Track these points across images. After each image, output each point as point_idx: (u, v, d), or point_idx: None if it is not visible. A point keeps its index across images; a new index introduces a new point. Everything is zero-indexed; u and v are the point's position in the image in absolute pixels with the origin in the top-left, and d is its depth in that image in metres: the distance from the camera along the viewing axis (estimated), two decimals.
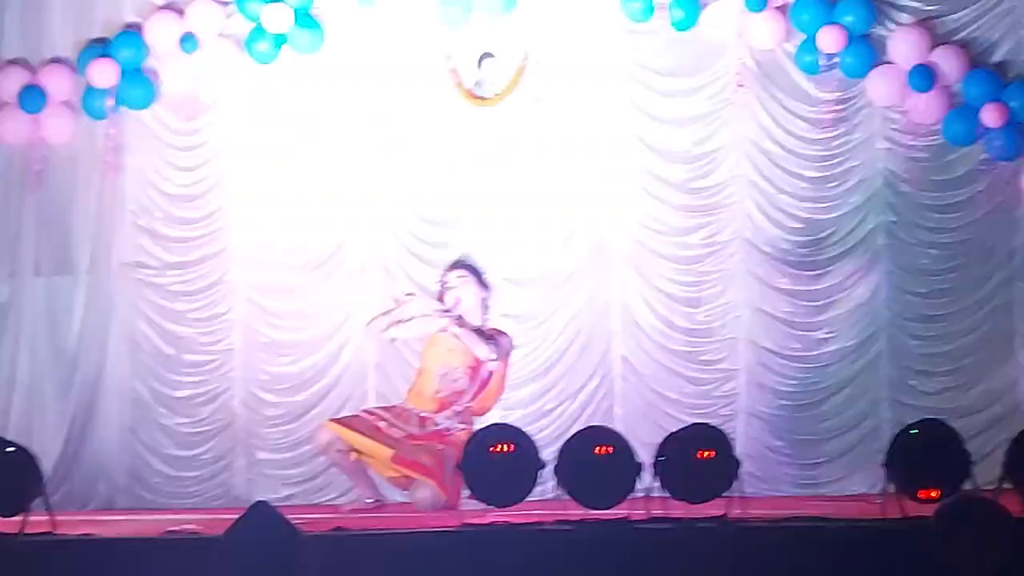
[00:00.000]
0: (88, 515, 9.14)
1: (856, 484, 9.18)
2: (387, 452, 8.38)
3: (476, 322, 8.80)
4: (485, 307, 8.92)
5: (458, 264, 9.04)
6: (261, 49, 9.81)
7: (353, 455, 8.53)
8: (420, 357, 8.92)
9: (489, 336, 8.74)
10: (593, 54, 9.62)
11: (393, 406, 8.77)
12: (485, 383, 8.72)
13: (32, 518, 6.84)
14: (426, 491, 8.35)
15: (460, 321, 8.71)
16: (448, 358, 8.69)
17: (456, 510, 8.06)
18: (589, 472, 6.69)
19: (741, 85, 9.41)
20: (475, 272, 8.96)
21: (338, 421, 8.69)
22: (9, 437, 8.57)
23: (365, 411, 8.90)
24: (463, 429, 8.56)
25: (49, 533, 6.82)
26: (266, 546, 4.35)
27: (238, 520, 4.53)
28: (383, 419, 8.53)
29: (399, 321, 8.79)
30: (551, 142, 9.69)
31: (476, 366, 8.69)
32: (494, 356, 8.66)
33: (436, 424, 8.56)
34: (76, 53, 10.03)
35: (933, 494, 6.36)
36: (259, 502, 4.51)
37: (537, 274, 9.69)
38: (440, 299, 8.90)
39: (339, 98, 9.90)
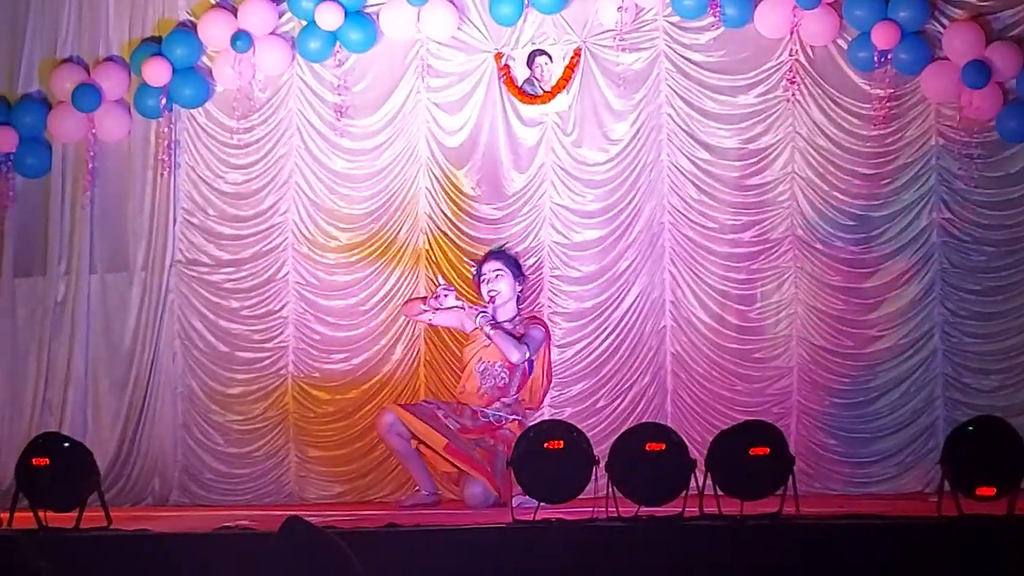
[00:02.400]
0: (142, 511, 9.22)
1: (909, 483, 9.12)
2: (441, 441, 8.40)
3: (511, 314, 8.79)
4: (521, 299, 8.93)
5: (494, 255, 8.96)
6: (313, 47, 9.86)
7: (413, 443, 8.55)
8: (463, 355, 8.96)
9: (521, 336, 8.69)
10: (644, 51, 9.60)
11: (448, 402, 8.81)
12: (526, 375, 8.73)
13: (88, 513, 6.88)
14: (477, 487, 8.37)
15: (494, 321, 8.69)
16: (484, 354, 8.70)
17: (507, 507, 8.08)
18: (641, 469, 6.67)
19: (793, 82, 9.37)
20: (511, 265, 8.92)
21: (400, 405, 8.75)
22: (64, 433, 8.69)
23: (425, 401, 8.94)
24: (513, 419, 8.59)
25: (104, 528, 6.86)
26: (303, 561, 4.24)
27: (272, 538, 4.40)
28: (440, 408, 8.58)
29: (437, 309, 8.79)
30: (601, 138, 9.69)
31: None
32: (526, 357, 8.63)
33: (486, 416, 8.58)
34: (130, 52, 10.12)
35: (991, 492, 6.31)
36: (292, 518, 4.37)
37: (589, 271, 9.68)
38: (476, 287, 8.91)
39: (390, 95, 9.93)
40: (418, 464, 8.63)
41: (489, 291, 8.79)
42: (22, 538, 4.82)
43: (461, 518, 7.51)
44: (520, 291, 8.90)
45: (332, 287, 9.96)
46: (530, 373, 8.73)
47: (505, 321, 8.74)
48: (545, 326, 8.89)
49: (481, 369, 8.70)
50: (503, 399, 8.66)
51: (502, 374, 8.66)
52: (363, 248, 9.95)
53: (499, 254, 8.96)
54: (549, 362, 8.86)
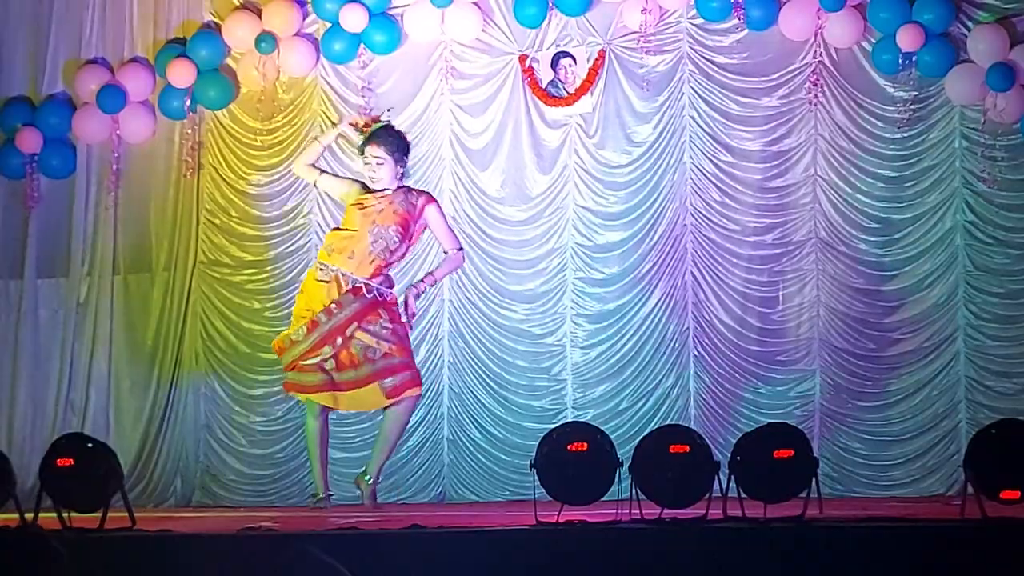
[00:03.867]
0: (165, 512, 9.23)
1: (932, 486, 9.11)
2: (379, 397, 8.31)
3: (391, 186, 8.36)
4: (401, 177, 8.43)
5: (377, 140, 8.37)
6: (337, 48, 9.87)
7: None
8: (349, 221, 8.39)
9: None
10: (668, 53, 9.60)
11: (336, 301, 8.27)
12: (413, 241, 8.45)
13: (111, 514, 6.89)
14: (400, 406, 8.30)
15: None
16: (379, 218, 8.29)
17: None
18: (665, 471, 6.65)
19: (816, 84, 9.36)
20: (392, 150, 8.35)
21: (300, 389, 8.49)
22: (87, 433, 8.71)
23: (308, 360, 8.40)
24: (391, 295, 8.33)
25: (128, 528, 6.88)
26: None
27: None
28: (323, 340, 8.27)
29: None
30: (624, 141, 9.69)
31: (407, 221, 8.31)
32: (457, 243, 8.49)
33: (371, 291, 8.23)
34: (154, 53, 10.14)
35: (1015, 495, 6.30)
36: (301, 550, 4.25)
37: (611, 273, 9.68)
38: (360, 151, 8.49)
39: (414, 97, 9.94)
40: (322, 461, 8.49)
41: (371, 176, 8.38)
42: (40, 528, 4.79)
43: (485, 519, 7.51)
44: (402, 173, 8.41)
45: None
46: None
47: (385, 192, 8.35)
48: (433, 199, 8.53)
49: (374, 231, 8.26)
50: (385, 271, 8.32)
51: (394, 237, 8.25)
52: None
53: (382, 139, 8.35)
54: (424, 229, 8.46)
